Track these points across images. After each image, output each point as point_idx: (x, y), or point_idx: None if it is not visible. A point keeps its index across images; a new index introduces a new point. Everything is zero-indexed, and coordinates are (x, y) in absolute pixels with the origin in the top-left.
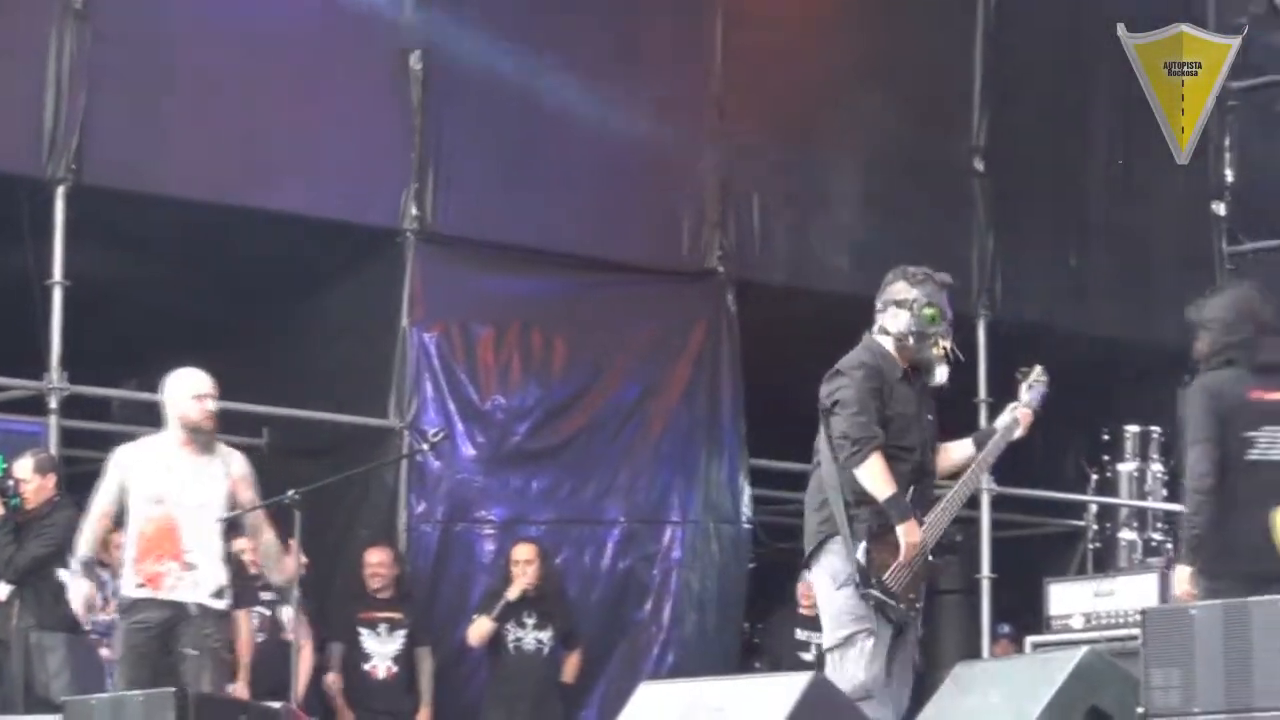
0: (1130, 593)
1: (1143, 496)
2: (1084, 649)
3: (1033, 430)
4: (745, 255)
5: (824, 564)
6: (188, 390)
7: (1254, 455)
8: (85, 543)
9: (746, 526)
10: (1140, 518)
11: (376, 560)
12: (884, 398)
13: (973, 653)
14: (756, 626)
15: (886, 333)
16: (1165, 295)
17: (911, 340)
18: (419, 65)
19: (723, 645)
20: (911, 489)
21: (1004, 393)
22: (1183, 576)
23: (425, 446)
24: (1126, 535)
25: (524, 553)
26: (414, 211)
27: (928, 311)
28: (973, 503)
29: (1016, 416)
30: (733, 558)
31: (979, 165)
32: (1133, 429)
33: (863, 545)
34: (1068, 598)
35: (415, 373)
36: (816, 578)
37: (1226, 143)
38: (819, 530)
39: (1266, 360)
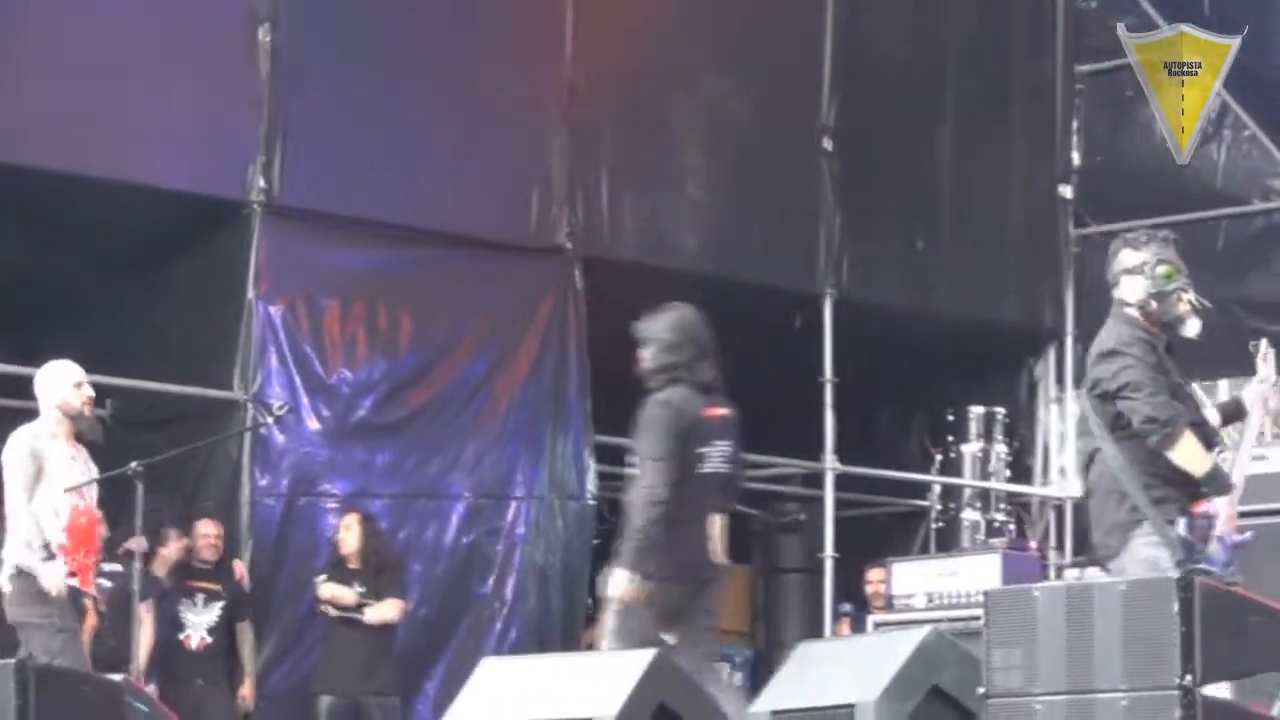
0: (972, 573)
1: (986, 477)
2: (926, 629)
3: (877, 410)
4: (593, 232)
5: (1139, 555)
6: (68, 379)
7: (706, 468)
8: (50, 531)
9: (591, 503)
10: (983, 498)
11: (212, 532)
12: (1165, 370)
13: (815, 632)
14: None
15: (1128, 304)
16: (1012, 277)
17: (1154, 303)
18: (268, 38)
19: (566, 621)
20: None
21: (850, 372)
22: (621, 579)
23: (269, 419)
24: (969, 515)
25: (346, 520)
26: (261, 184)
27: (1162, 269)
28: (816, 481)
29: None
30: (577, 534)
31: (828, 146)
32: (977, 410)
33: (1183, 522)
34: (910, 577)
35: (260, 345)
36: (1130, 571)
37: (1074, 126)
38: (1125, 522)
39: (706, 379)
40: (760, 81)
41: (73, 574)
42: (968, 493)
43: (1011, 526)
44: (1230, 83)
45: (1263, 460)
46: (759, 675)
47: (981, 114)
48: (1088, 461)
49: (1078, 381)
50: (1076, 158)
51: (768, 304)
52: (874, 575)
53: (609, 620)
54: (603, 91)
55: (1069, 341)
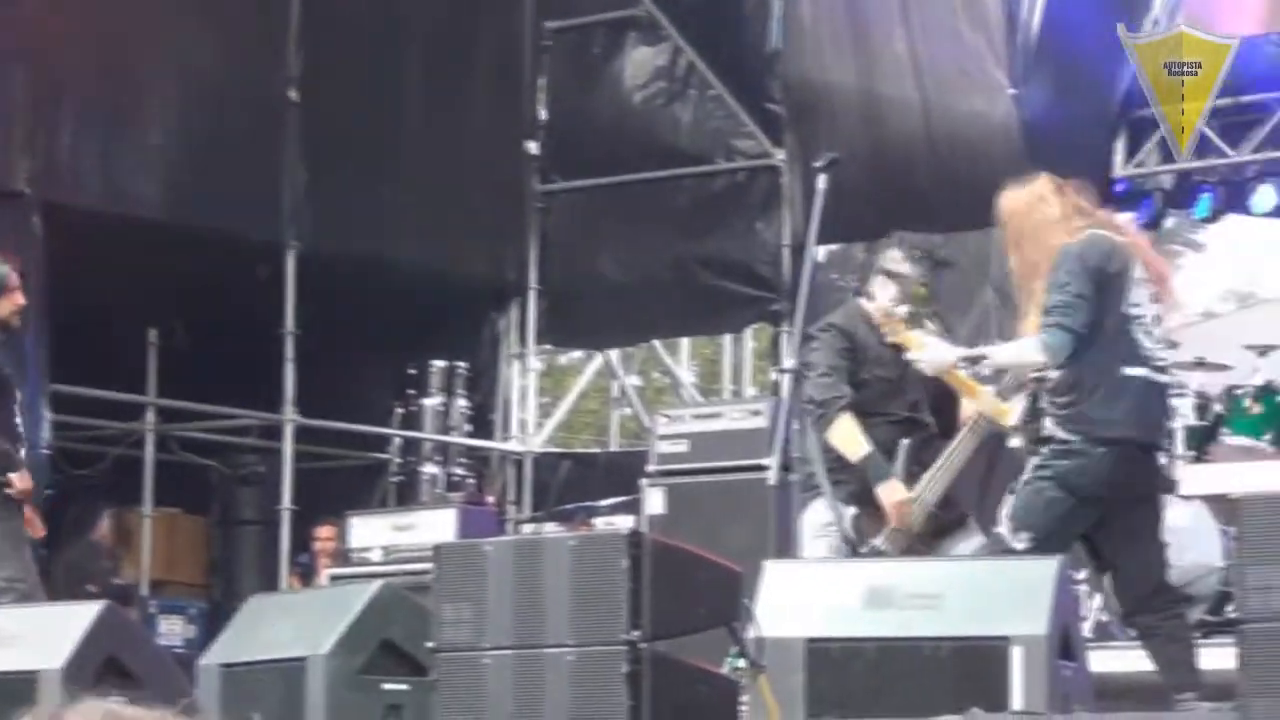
0: (430, 527)
1: (446, 431)
2: (379, 582)
3: (339, 362)
4: (54, 178)
5: (806, 518)
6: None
7: None
8: None
9: (46, 452)
10: (443, 452)
11: None
12: (857, 360)
13: (272, 585)
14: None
15: (872, 299)
16: (476, 232)
17: (895, 316)
18: None
19: None
20: (905, 443)
21: (313, 323)
22: None
23: None
24: (429, 469)
25: None
26: None
27: (920, 291)
28: (275, 433)
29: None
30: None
31: (293, 95)
32: (439, 363)
33: (851, 512)
34: (368, 531)
35: None
36: (803, 532)
37: (541, 82)
38: (803, 490)
39: None
40: (227, 29)
41: None
42: (428, 447)
43: (471, 481)
44: (698, 42)
45: (716, 419)
46: (214, 628)
47: (449, 67)
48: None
49: (540, 336)
50: (543, 114)
51: (230, 254)
52: (323, 533)
53: None
54: (66, 33)
55: (532, 296)
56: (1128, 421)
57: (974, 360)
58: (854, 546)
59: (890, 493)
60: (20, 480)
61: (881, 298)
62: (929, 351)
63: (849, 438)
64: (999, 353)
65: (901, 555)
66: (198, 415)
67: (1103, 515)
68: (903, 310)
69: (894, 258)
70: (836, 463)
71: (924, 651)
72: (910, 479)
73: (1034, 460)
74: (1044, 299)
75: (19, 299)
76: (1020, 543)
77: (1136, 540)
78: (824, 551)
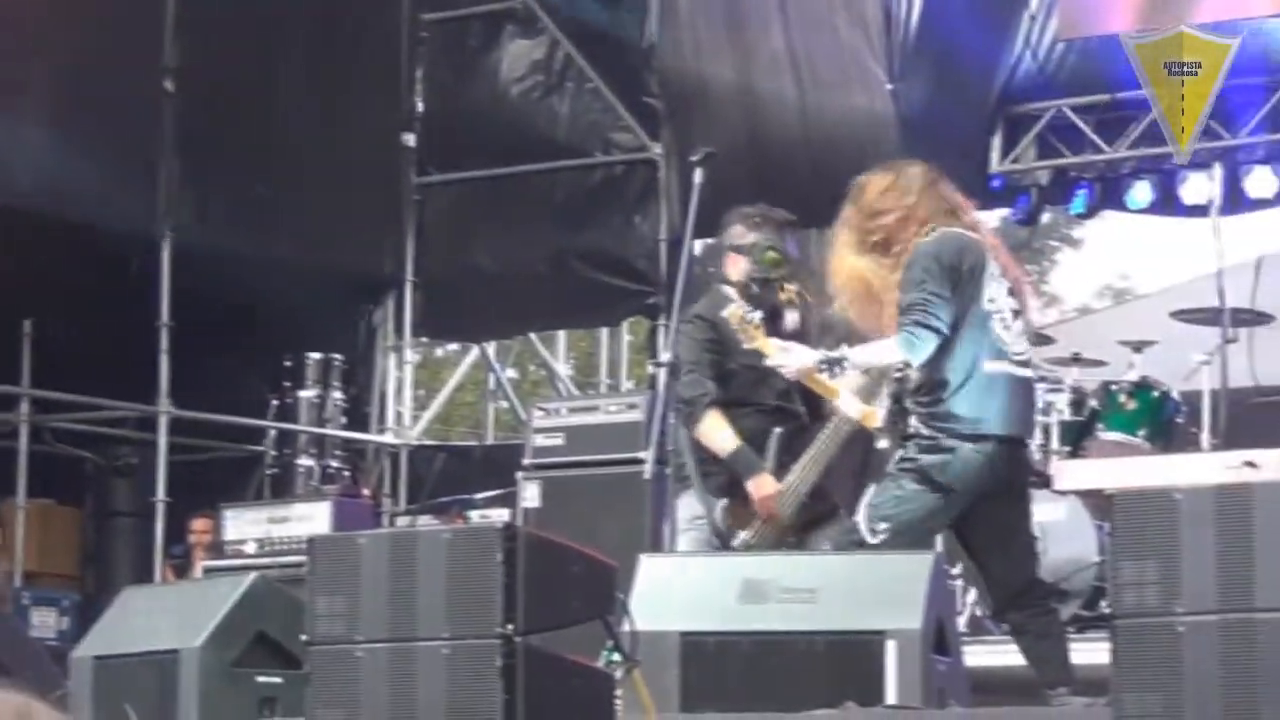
0: (304, 519)
1: (322, 424)
2: (253, 575)
3: (215, 354)
4: None
5: (678, 509)
6: None
7: None
8: None
9: None
10: (319, 444)
11: None
12: (723, 350)
13: (146, 577)
14: None
15: (729, 281)
16: (353, 224)
17: (754, 287)
18: None
19: None
20: (777, 433)
21: (189, 315)
22: None
23: None
24: (305, 462)
25: None
26: None
27: (769, 255)
28: (150, 425)
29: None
30: None
31: (169, 86)
32: (315, 356)
33: (722, 504)
34: (242, 524)
35: None
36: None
37: (418, 74)
38: (676, 480)
39: None
40: (102, 18)
41: None
42: (303, 439)
43: (346, 474)
44: (575, 35)
45: (592, 412)
46: (87, 620)
47: (327, 59)
48: None
49: (416, 329)
50: (420, 106)
51: (104, 245)
52: (198, 525)
53: None
54: None
55: (408, 289)
56: (992, 418)
57: (834, 362)
58: (724, 539)
59: (760, 487)
60: None
61: (736, 274)
62: (788, 356)
63: (716, 433)
64: (859, 354)
65: (772, 547)
66: (72, 406)
67: (970, 512)
68: (757, 316)
69: (735, 232)
70: (707, 454)
71: (799, 646)
72: (782, 469)
73: (899, 454)
74: (900, 298)
75: None
76: (876, 535)
77: (1004, 537)
78: (692, 544)
